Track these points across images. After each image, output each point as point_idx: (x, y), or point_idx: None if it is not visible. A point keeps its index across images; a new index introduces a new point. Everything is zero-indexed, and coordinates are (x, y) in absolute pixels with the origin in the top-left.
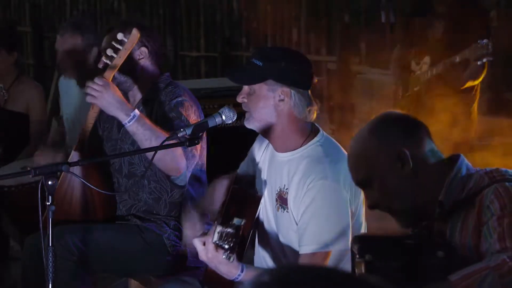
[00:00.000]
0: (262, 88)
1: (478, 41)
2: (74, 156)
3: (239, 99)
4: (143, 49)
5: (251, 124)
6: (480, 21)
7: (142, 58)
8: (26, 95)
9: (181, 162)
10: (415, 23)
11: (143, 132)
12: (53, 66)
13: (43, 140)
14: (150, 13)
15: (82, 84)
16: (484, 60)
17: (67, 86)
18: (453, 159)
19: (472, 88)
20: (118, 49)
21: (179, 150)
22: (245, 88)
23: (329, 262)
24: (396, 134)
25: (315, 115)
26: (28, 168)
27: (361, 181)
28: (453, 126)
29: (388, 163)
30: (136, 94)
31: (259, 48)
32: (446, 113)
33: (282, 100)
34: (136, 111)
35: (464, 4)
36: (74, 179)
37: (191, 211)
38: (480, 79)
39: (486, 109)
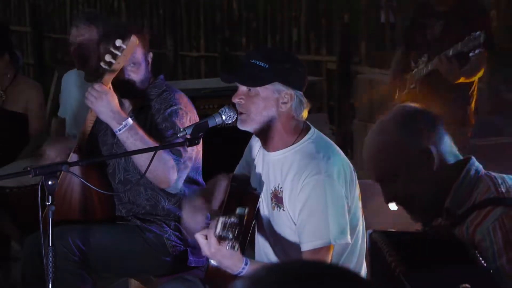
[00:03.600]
0: (266, 91)
1: (471, 34)
2: (73, 158)
3: (236, 100)
4: (151, 54)
5: (247, 126)
6: (480, 20)
7: (148, 63)
8: (24, 95)
9: (172, 174)
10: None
11: (133, 142)
12: (53, 66)
13: (43, 140)
14: (150, 13)
15: (91, 79)
16: (477, 51)
17: (71, 84)
18: (464, 162)
19: (468, 87)
20: (117, 55)
21: (171, 162)
22: (243, 89)
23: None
24: (422, 130)
25: (307, 114)
26: (28, 168)
27: (384, 175)
28: (449, 125)
29: (415, 158)
30: (133, 100)
31: (258, 49)
32: (441, 111)
33: (285, 102)
34: (129, 120)
35: (464, 3)
36: (74, 180)
37: (190, 201)
38: (475, 78)
39: (486, 109)
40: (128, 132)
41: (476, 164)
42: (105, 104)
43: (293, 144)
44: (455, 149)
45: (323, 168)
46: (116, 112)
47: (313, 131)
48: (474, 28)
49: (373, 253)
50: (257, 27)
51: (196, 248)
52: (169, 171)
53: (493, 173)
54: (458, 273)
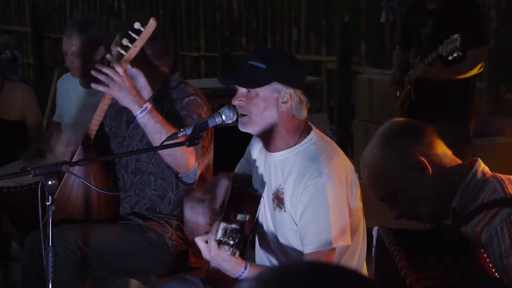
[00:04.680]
0: (265, 91)
1: (450, 36)
2: (79, 153)
3: (236, 102)
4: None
5: (249, 128)
6: (471, 17)
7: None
8: (18, 101)
9: (191, 159)
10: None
11: (153, 124)
12: (53, 66)
13: (43, 141)
14: (150, 13)
15: (87, 84)
16: (455, 55)
17: (69, 88)
18: (470, 164)
19: (466, 81)
20: (134, 39)
21: (189, 147)
22: (243, 90)
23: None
24: (407, 143)
25: (306, 113)
26: (28, 168)
27: (385, 197)
28: (449, 120)
29: (408, 174)
30: (147, 92)
31: (255, 50)
32: (439, 112)
33: (285, 102)
34: (148, 104)
35: (455, 1)
36: (77, 179)
37: (191, 195)
38: (467, 75)
39: (486, 109)
40: (149, 115)
41: (482, 166)
42: (127, 86)
43: (294, 145)
44: (450, 153)
45: (324, 170)
46: (137, 96)
47: (315, 132)
48: (466, 25)
49: (379, 250)
50: (257, 27)
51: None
52: (187, 155)
53: (499, 175)
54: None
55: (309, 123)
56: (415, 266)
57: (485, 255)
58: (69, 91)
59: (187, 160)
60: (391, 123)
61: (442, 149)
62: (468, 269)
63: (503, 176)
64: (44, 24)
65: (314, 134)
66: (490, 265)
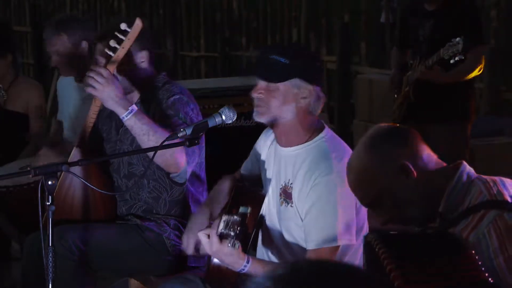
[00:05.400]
0: (286, 86)
1: (452, 40)
2: (75, 153)
3: (255, 95)
4: (144, 52)
5: (265, 118)
6: (469, 17)
7: (143, 61)
8: (25, 95)
9: (181, 158)
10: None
11: (140, 126)
12: (53, 66)
13: (43, 140)
14: (150, 13)
15: (80, 79)
16: (457, 58)
17: (65, 87)
18: (455, 167)
19: (467, 83)
20: (121, 40)
21: (178, 147)
22: (262, 83)
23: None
24: (392, 148)
25: (321, 110)
26: (28, 168)
27: (371, 203)
28: (449, 120)
29: (394, 178)
30: (134, 95)
31: (277, 44)
32: (437, 112)
33: (305, 97)
34: (134, 106)
35: (454, 1)
36: (75, 179)
37: (196, 218)
38: (467, 77)
39: (486, 109)
40: (135, 117)
41: (467, 168)
42: (112, 89)
43: (306, 141)
44: (435, 157)
45: (335, 169)
46: (122, 98)
47: (327, 130)
48: (464, 26)
49: (368, 255)
50: (257, 27)
51: (196, 256)
52: (177, 153)
53: (484, 177)
54: None
55: (322, 121)
56: (405, 270)
57: (476, 257)
58: (66, 90)
59: (176, 159)
60: (376, 128)
61: (427, 153)
62: (460, 272)
63: (488, 178)
64: (44, 24)
65: (327, 133)
66: (480, 263)
